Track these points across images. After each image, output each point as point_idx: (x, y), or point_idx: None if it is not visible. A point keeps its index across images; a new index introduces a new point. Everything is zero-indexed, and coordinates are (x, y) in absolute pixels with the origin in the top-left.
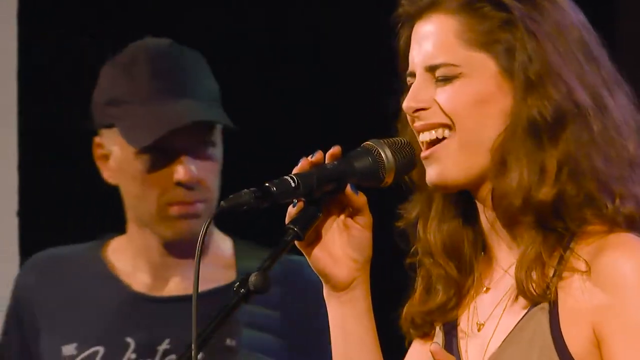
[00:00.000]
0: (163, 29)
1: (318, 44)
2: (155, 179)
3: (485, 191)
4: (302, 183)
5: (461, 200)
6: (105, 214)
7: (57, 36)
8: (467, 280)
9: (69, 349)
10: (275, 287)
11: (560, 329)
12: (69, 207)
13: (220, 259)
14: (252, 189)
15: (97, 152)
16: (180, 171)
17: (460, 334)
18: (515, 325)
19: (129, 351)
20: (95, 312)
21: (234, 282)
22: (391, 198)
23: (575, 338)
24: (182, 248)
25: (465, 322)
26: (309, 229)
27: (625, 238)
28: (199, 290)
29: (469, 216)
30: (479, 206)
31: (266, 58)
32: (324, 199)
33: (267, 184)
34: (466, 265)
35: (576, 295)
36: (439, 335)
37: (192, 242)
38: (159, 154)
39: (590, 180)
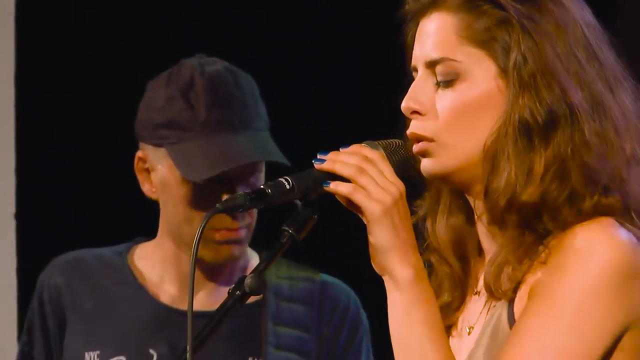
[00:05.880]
0: (164, 30)
1: (317, 42)
2: (201, 203)
3: (477, 190)
4: (297, 185)
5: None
6: (103, 217)
7: (55, 38)
8: (468, 281)
9: (91, 356)
10: (305, 308)
11: (514, 315)
12: (66, 210)
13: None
14: (247, 191)
15: (139, 165)
16: None
17: (454, 337)
18: (486, 326)
19: None
20: (120, 321)
21: (259, 301)
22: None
23: None
24: (215, 266)
25: (460, 324)
26: (304, 231)
27: (596, 221)
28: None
29: (472, 215)
30: (472, 206)
31: (267, 58)
32: (319, 200)
33: (261, 186)
34: (468, 265)
35: (531, 280)
36: None
37: (227, 263)
38: (208, 182)
39: (577, 181)
